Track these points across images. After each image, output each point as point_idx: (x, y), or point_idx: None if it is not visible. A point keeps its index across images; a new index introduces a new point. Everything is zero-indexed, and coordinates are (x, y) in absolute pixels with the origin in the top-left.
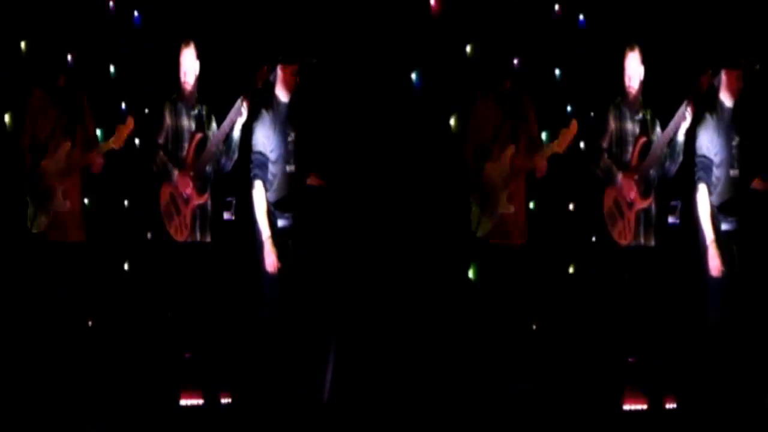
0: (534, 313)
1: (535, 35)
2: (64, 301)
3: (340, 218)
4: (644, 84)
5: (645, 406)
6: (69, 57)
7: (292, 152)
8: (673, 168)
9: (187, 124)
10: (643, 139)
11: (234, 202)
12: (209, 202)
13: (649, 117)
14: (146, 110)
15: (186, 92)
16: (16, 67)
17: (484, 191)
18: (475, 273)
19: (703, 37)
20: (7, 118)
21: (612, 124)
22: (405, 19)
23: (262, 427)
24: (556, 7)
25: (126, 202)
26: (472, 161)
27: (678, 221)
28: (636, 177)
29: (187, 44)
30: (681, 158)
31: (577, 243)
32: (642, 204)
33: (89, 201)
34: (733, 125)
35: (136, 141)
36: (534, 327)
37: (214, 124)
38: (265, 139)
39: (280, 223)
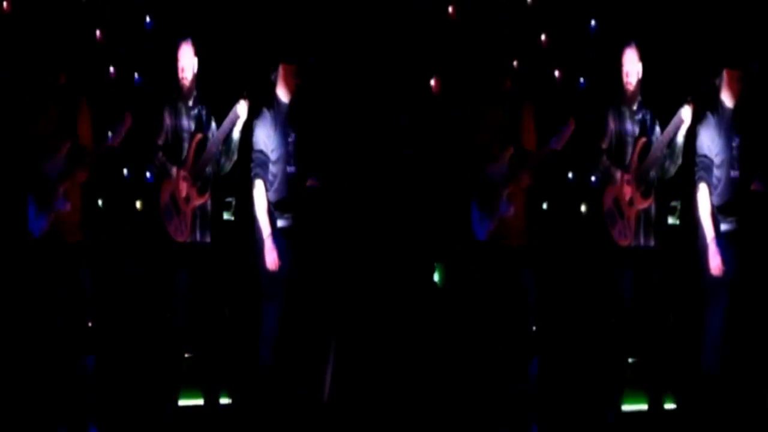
0: (534, 314)
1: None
2: (64, 302)
3: (339, 219)
4: (644, 84)
5: (645, 407)
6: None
7: (292, 153)
8: (672, 168)
9: (187, 124)
10: (643, 140)
11: (234, 202)
12: (209, 203)
13: (648, 117)
14: (146, 110)
15: (184, 89)
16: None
17: (484, 191)
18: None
19: (703, 37)
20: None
21: (611, 125)
22: (405, 20)
23: (262, 427)
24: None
25: (126, 203)
26: (472, 162)
27: (678, 221)
28: (635, 178)
29: (184, 41)
30: (680, 159)
31: (577, 243)
32: (642, 204)
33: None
34: (733, 126)
35: (136, 141)
36: (534, 328)
37: (213, 125)
38: (266, 138)
39: (280, 223)
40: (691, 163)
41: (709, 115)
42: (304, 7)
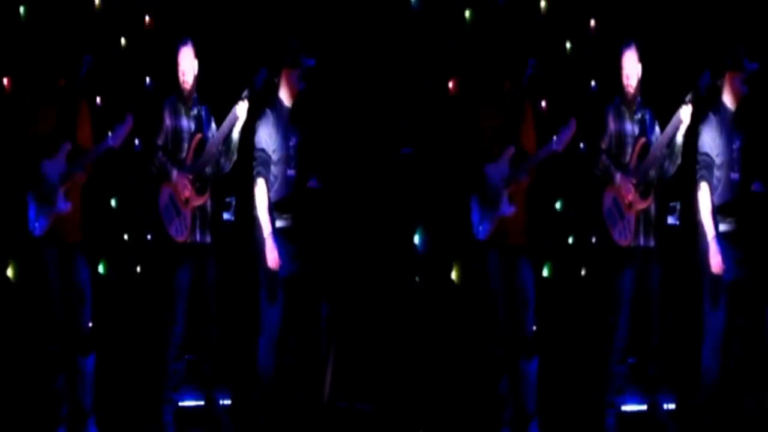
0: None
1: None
2: (63, 301)
3: (339, 219)
4: (644, 84)
5: (645, 407)
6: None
7: (293, 157)
8: (672, 169)
9: (187, 124)
10: (643, 141)
11: (234, 202)
12: (209, 203)
13: (648, 117)
14: (145, 110)
15: (185, 92)
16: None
17: (484, 191)
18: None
19: (703, 37)
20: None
21: (611, 125)
22: (406, 21)
23: (262, 427)
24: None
25: (126, 203)
26: (473, 162)
27: (677, 222)
28: (633, 179)
29: (185, 43)
30: (680, 159)
31: (577, 244)
32: (641, 204)
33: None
34: (734, 128)
35: (136, 141)
36: (534, 328)
37: (213, 125)
38: (269, 138)
39: (279, 223)
40: (691, 163)
41: (710, 114)
42: (304, 8)
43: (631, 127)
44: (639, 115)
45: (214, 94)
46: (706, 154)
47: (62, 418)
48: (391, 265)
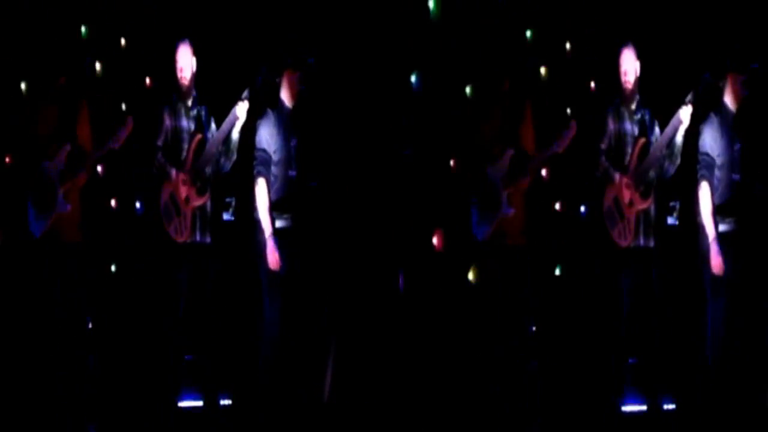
0: (533, 315)
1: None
2: (63, 302)
3: (339, 220)
4: (644, 85)
5: (644, 407)
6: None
7: (294, 158)
8: (671, 169)
9: (187, 125)
10: (643, 141)
11: (234, 202)
12: (209, 203)
13: (647, 117)
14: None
15: (183, 89)
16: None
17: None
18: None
19: (703, 37)
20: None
21: (611, 126)
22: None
23: (262, 427)
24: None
25: (126, 203)
26: (472, 162)
27: (677, 222)
28: (633, 180)
29: (183, 41)
30: (679, 159)
31: (577, 244)
32: (641, 205)
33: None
34: (735, 130)
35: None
36: (534, 329)
37: (213, 125)
38: (270, 138)
39: (278, 223)
40: (691, 163)
41: (712, 115)
42: (304, 8)
43: (630, 128)
44: (639, 116)
45: (214, 94)
46: (707, 155)
47: (62, 418)
48: (391, 265)
